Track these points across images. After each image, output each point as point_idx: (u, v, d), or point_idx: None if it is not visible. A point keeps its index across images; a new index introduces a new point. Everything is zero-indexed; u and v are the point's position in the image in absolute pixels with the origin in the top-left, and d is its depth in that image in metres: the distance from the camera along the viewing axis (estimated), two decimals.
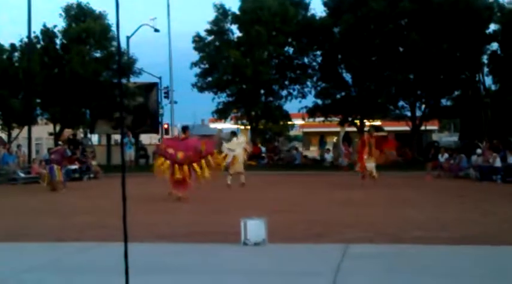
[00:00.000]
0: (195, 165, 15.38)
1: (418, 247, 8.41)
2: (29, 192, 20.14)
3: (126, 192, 4.54)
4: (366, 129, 24.38)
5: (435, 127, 44.15)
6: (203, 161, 15.45)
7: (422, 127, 35.20)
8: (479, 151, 24.11)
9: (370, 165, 19.06)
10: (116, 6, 4.69)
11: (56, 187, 19.76)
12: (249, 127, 36.40)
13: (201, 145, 15.66)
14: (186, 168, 15.29)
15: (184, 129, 17.15)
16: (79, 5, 33.28)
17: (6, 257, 8.14)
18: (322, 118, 35.23)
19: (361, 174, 19.39)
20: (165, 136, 35.28)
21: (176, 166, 15.31)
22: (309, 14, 34.08)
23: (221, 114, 35.80)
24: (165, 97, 40.78)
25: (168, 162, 15.36)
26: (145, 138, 43.58)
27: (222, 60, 33.51)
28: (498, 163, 22.04)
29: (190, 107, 76.90)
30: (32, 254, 8.25)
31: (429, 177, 23.34)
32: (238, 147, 19.97)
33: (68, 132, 34.23)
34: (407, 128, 33.78)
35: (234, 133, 21.46)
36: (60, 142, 25.59)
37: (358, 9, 30.23)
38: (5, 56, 31.68)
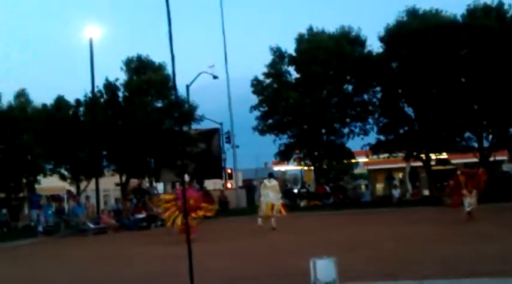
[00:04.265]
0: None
1: (495, 280, 8.01)
2: (98, 242, 20.45)
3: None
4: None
5: (505, 158, 42.66)
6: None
7: (491, 158, 34.11)
8: None
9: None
10: (171, 60, 4.73)
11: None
12: (312, 167, 36.17)
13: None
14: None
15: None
16: (139, 57, 34.18)
17: None
18: (386, 155, 34.70)
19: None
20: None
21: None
22: (365, 50, 33.90)
23: (284, 155, 35.72)
24: (226, 142, 41.10)
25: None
26: (209, 184, 43.86)
27: (281, 102, 33.59)
28: None
29: (253, 150, 77.02)
30: None
31: None
32: (271, 190, 19.78)
33: (134, 182, 34.83)
34: (475, 160, 32.80)
35: (270, 175, 21.27)
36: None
37: (415, 42, 29.87)
38: (70, 112, 32.76)
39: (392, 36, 31.79)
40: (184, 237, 16.31)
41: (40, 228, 24.39)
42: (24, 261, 15.82)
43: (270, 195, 19.63)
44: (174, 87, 4.88)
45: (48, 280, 11.09)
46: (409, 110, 33.38)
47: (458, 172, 19.87)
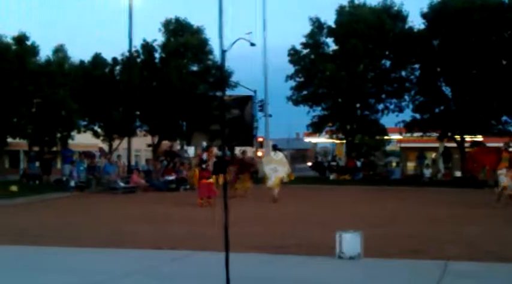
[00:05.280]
0: None
1: None
2: (128, 200, 20.74)
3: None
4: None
5: None
6: None
7: None
8: None
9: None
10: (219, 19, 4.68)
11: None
12: (344, 141, 35.97)
13: None
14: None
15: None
16: (177, 20, 34.17)
17: (105, 262, 8.32)
18: (420, 133, 34.29)
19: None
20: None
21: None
22: (406, 26, 33.32)
23: (316, 127, 35.52)
24: (260, 110, 40.97)
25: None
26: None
27: (318, 73, 33.32)
28: None
29: (285, 120, 76.72)
30: (130, 260, 8.39)
31: None
32: (278, 164, 19.14)
33: (165, 144, 35.10)
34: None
35: (274, 147, 20.76)
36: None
37: (459, 21, 29.22)
38: (107, 70, 33.00)
39: (436, 13, 31.17)
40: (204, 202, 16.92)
41: (72, 183, 24.76)
42: (60, 213, 16.25)
43: (278, 169, 19.01)
44: (221, 44, 4.82)
45: (83, 233, 11.30)
46: (446, 90, 32.95)
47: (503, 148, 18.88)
